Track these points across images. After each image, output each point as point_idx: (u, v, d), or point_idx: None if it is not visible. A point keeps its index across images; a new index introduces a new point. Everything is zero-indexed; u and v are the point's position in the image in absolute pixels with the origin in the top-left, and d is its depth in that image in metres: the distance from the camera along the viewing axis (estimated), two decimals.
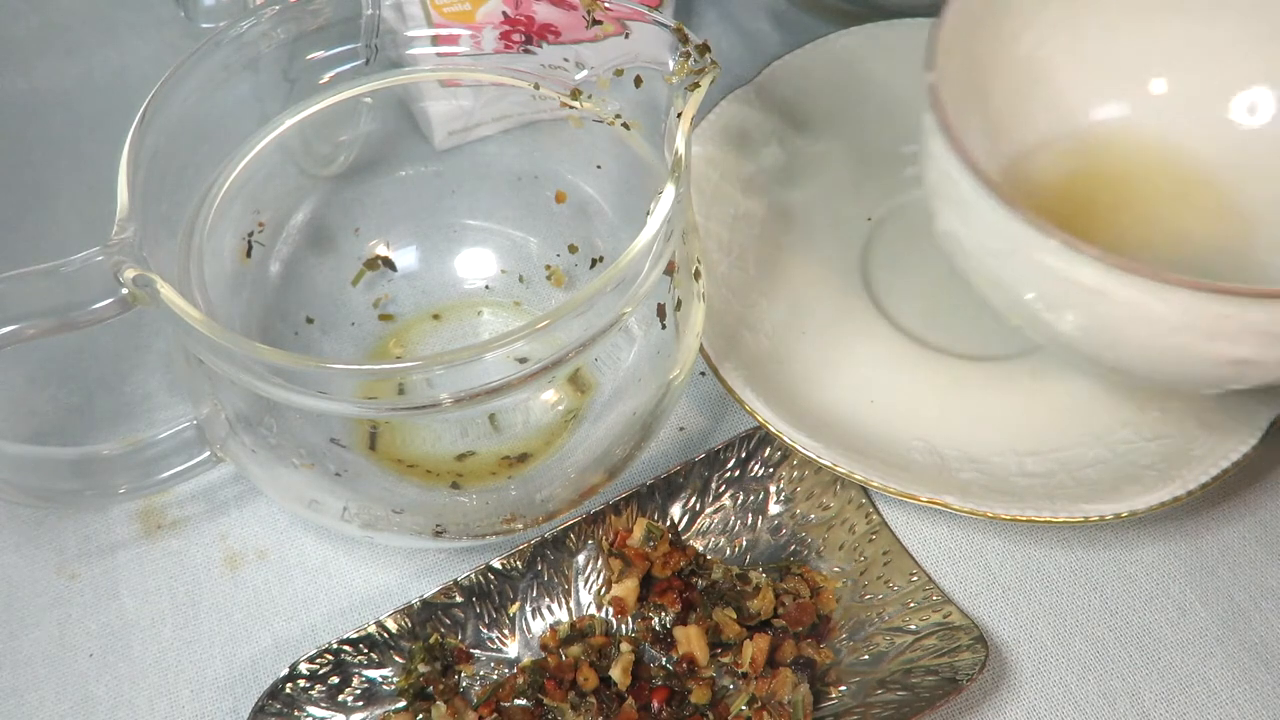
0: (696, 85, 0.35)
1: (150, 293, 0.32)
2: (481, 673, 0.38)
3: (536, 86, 0.41)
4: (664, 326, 0.37)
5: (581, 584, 0.39)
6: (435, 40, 0.42)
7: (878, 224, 0.47)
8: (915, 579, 0.38)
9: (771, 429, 0.40)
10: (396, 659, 0.37)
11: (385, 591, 0.40)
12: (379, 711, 0.36)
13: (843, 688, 0.37)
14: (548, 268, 0.45)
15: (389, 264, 0.45)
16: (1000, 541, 0.40)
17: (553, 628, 0.38)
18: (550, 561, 0.39)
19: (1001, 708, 0.37)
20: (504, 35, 0.40)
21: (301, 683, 0.36)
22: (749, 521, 0.40)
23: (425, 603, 0.38)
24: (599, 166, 0.43)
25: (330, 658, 0.36)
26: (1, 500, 0.39)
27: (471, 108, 0.45)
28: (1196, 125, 0.43)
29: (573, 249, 0.44)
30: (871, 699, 0.36)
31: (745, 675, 0.37)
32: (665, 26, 0.36)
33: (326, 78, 0.41)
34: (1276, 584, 0.39)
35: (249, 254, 0.41)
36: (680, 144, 0.34)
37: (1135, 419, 0.41)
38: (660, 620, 0.38)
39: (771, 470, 0.41)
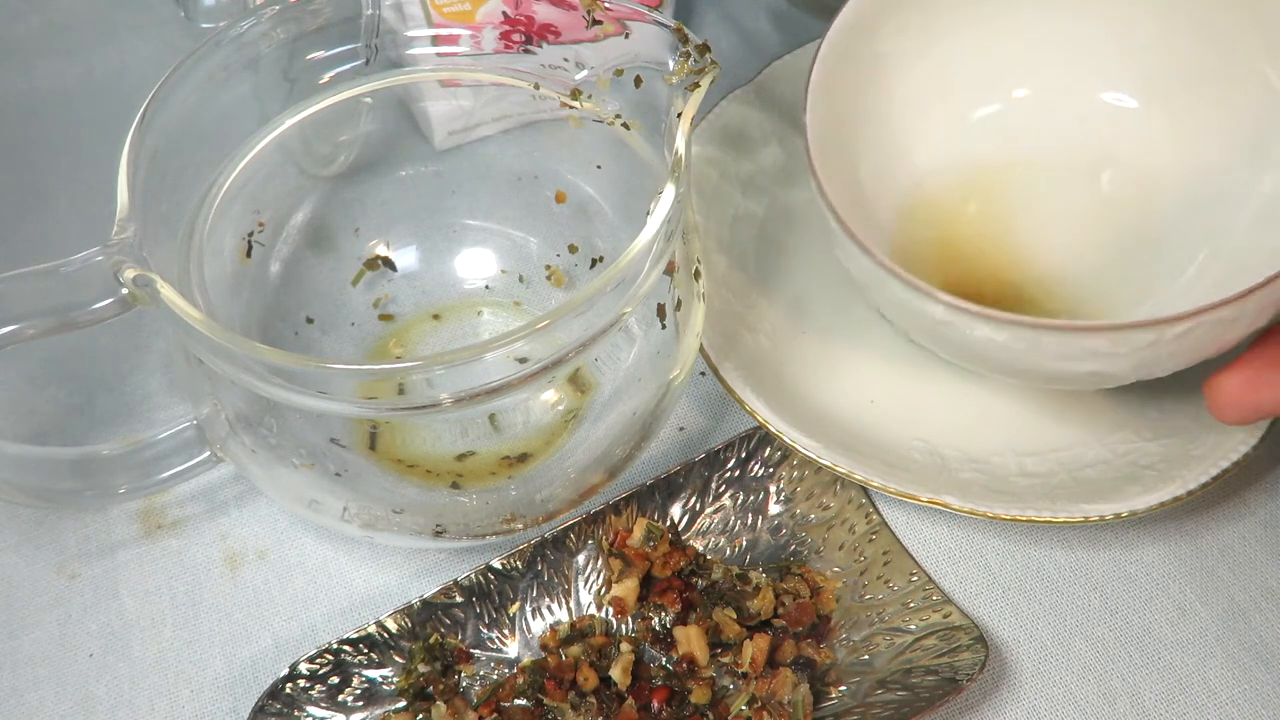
0: (696, 85, 0.35)
1: (150, 293, 0.32)
2: (481, 673, 0.38)
3: (536, 86, 0.41)
4: (664, 326, 0.37)
5: (581, 584, 0.39)
6: (435, 40, 0.42)
7: None
8: (915, 579, 0.38)
9: (771, 429, 0.40)
10: (396, 659, 0.37)
11: (385, 591, 0.40)
12: (379, 711, 0.36)
13: (843, 688, 0.37)
14: (548, 268, 0.45)
15: (389, 264, 0.45)
16: (1000, 541, 0.40)
17: (553, 628, 0.38)
18: (550, 561, 0.39)
19: (1001, 708, 0.37)
20: (504, 35, 0.40)
21: (301, 683, 0.36)
22: (749, 521, 0.40)
23: (425, 603, 0.38)
24: (599, 166, 0.43)
25: (330, 658, 0.36)
26: (1, 500, 0.39)
27: (471, 108, 0.45)
28: (1065, 122, 0.45)
29: (573, 249, 0.44)
30: (871, 699, 0.36)
31: (745, 675, 0.37)
32: (665, 26, 0.36)
33: (326, 78, 0.41)
34: (1276, 584, 0.39)
35: (249, 254, 0.41)
36: (680, 144, 0.34)
37: (1135, 419, 0.41)
38: (660, 620, 0.38)
39: (771, 470, 0.41)
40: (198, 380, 0.36)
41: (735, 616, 0.37)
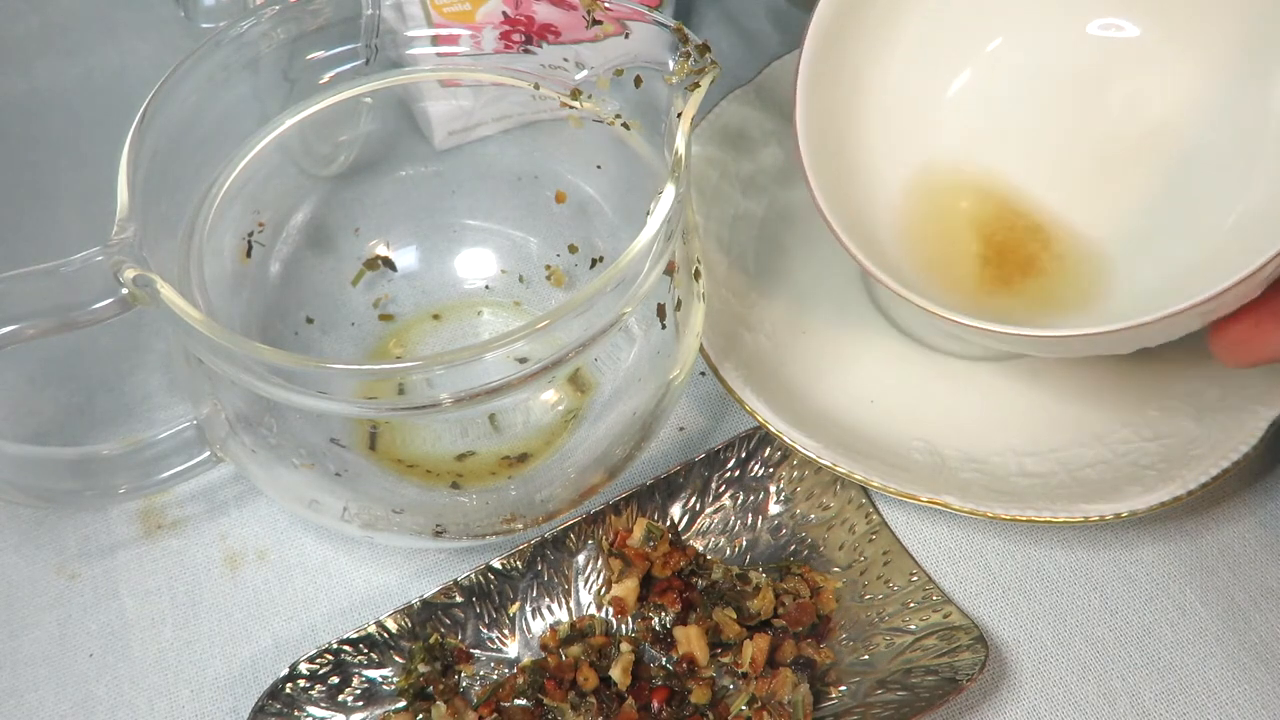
0: (696, 85, 0.35)
1: (150, 293, 0.32)
2: (481, 673, 0.38)
3: (536, 86, 0.41)
4: (664, 326, 0.37)
5: (581, 584, 0.39)
6: (435, 40, 0.42)
7: None
8: (915, 579, 0.38)
9: (771, 429, 0.40)
10: (396, 659, 0.37)
11: (385, 591, 0.40)
12: (379, 711, 0.36)
13: (843, 688, 0.37)
14: (548, 268, 0.45)
15: (389, 264, 0.45)
16: (1000, 541, 0.40)
17: (553, 628, 0.38)
18: (550, 561, 0.39)
19: (1001, 708, 0.37)
20: (504, 35, 0.40)
21: (301, 683, 0.36)
22: (749, 521, 0.40)
23: (425, 603, 0.38)
24: (599, 166, 0.43)
25: (330, 658, 0.36)
26: (1, 500, 0.39)
27: (471, 108, 0.45)
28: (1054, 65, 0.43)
29: (573, 249, 0.44)
30: (871, 699, 0.36)
31: (745, 675, 0.37)
32: (665, 26, 0.36)
33: (326, 78, 0.41)
34: (1276, 584, 0.39)
35: (249, 254, 0.41)
36: (680, 144, 0.34)
37: (1135, 419, 0.41)
38: (660, 620, 0.38)
39: (771, 470, 0.41)
40: (198, 380, 0.36)
41: (735, 616, 0.37)
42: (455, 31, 0.41)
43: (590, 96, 0.40)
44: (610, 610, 0.38)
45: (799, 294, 0.45)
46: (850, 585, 0.39)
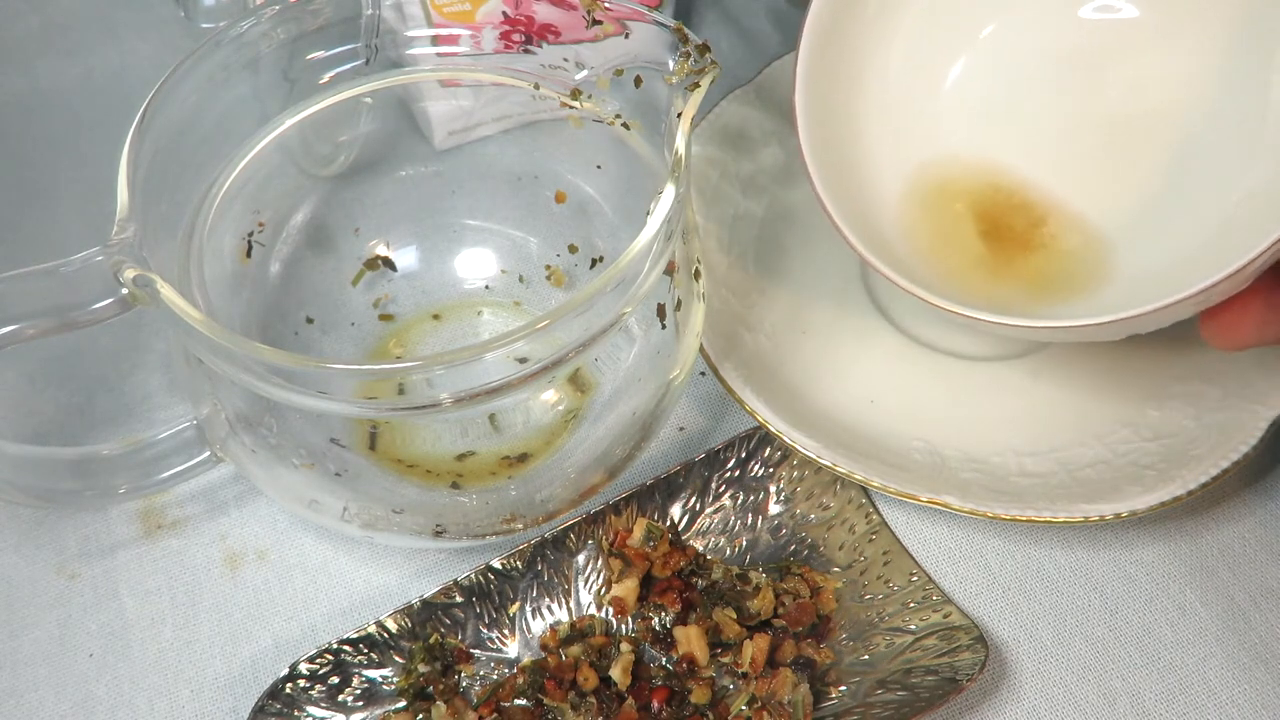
0: (696, 85, 0.35)
1: (150, 293, 0.32)
2: (481, 673, 0.38)
3: (536, 86, 0.41)
4: (664, 326, 0.37)
5: (581, 584, 0.39)
6: (435, 40, 0.42)
7: None
8: (915, 579, 0.38)
9: (771, 429, 0.40)
10: (396, 659, 0.37)
11: (385, 591, 0.40)
12: (379, 711, 0.36)
13: (843, 688, 0.37)
14: (548, 268, 0.45)
15: (389, 264, 0.45)
16: (1000, 541, 0.40)
17: (553, 628, 0.38)
18: (550, 561, 0.39)
19: (1001, 708, 0.37)
20: (504, 35, 0.40)
21: (301, 683, 0.36)
22: (749, 521, 0.40)
23: (425, 603, 0.38)
24: (599, 166, 0.43)
25: (330, 658, 0.36)
26: (1, 500, 0.39)
27: (471, 108, 0.45)
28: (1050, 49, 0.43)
29: (573, 249, 0.44)
30: (871, 699, 0.36)
31: (745, 675, 0.37)
32: (665, 26, 0.36)
33: (326, 78, 0.41)
34: (1276, 584, 0.39)
35: (249, 254, 0.41)
36: (680, 144, 0.34)
37: (1135, 419, 0.41)
38: (660, 620, 0.38)
39: (771, 470, 0.41)
40: (198, 380, 0.36)
41: (735, 616, 0.37)
42: (455, 31, 0.41)
43: (590, 96, 0.40)
44: (610, 610, 0.38)
45: (799, 294, 0.45)
46: (850, 585, 0.39)
